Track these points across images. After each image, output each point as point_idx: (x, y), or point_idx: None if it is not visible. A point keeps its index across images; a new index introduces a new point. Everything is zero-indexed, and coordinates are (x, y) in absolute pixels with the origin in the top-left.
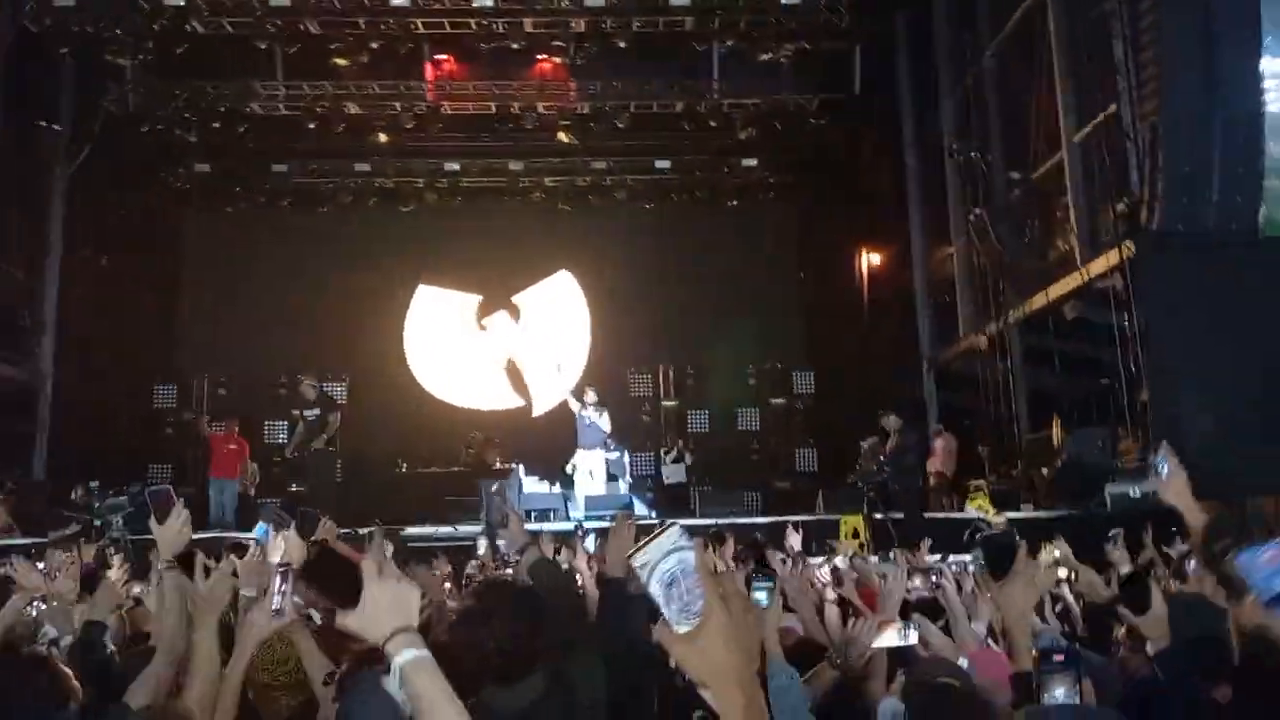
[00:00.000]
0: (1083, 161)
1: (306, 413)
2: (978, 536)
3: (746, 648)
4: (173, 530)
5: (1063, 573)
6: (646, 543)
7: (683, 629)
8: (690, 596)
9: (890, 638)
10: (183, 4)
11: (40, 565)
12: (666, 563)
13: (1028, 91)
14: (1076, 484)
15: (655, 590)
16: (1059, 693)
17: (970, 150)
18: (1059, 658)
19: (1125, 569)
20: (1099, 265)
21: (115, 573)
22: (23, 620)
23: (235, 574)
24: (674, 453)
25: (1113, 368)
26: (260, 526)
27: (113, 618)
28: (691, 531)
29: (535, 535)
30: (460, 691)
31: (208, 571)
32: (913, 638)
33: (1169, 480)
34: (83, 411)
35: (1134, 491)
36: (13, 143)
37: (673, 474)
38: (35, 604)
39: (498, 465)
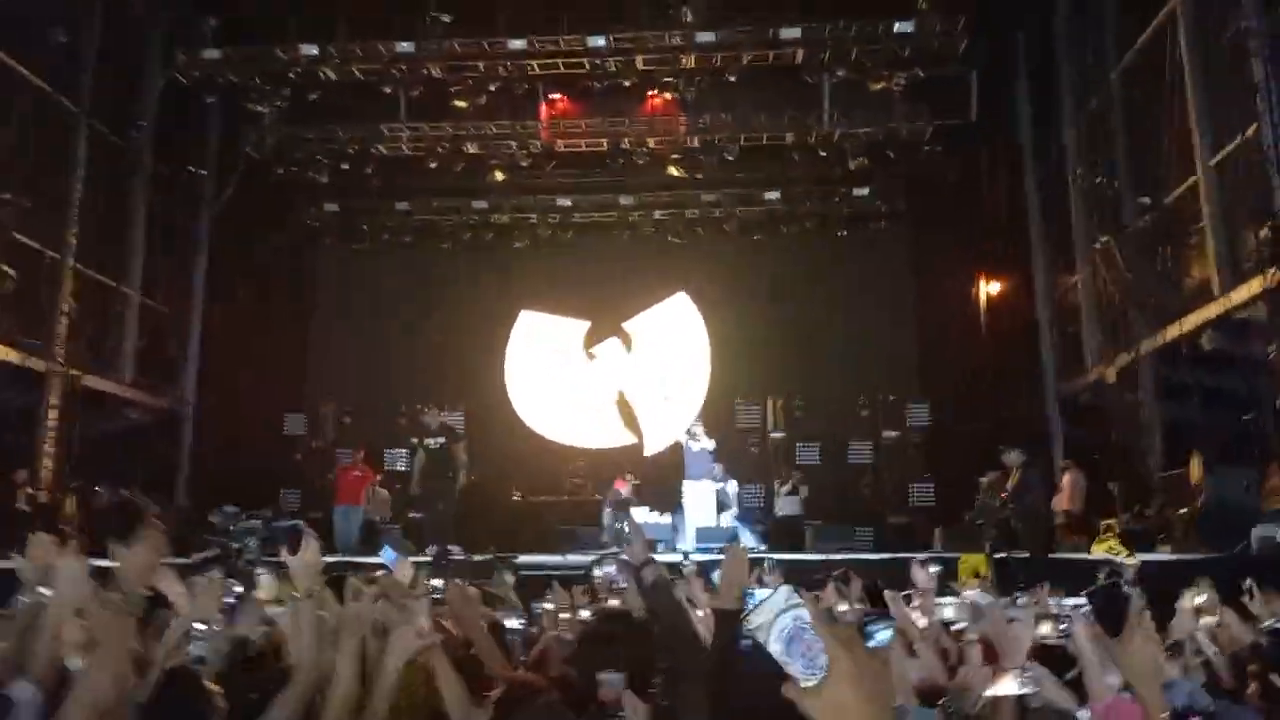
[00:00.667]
0: (1220, 185)
1: (429, 440)
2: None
3: (877, 693)
4: (304, 562)
5: (1207, 620)
6: (759, 606)
7: (810, 683)
8: (813, 651)
9: (1008, 685)
10: (316, 53)
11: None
12: (782, 621)
13: (1157, 113)
14: (1219, 525)
15: (776, 649)
16: None
17: (1097, 175)
18: None
19: (1267, 621)
20: (1240, 294)
21: (262, 593)
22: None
23: (379, 598)
24: (789, 485)
25: (1256, 402)
26: (387, 551)
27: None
28: (804, 568)
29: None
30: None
31: (356, 595)
32: (1031, 687)
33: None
34: (220, 439)
35: None
36: (162, 187)
37: (786, 506)
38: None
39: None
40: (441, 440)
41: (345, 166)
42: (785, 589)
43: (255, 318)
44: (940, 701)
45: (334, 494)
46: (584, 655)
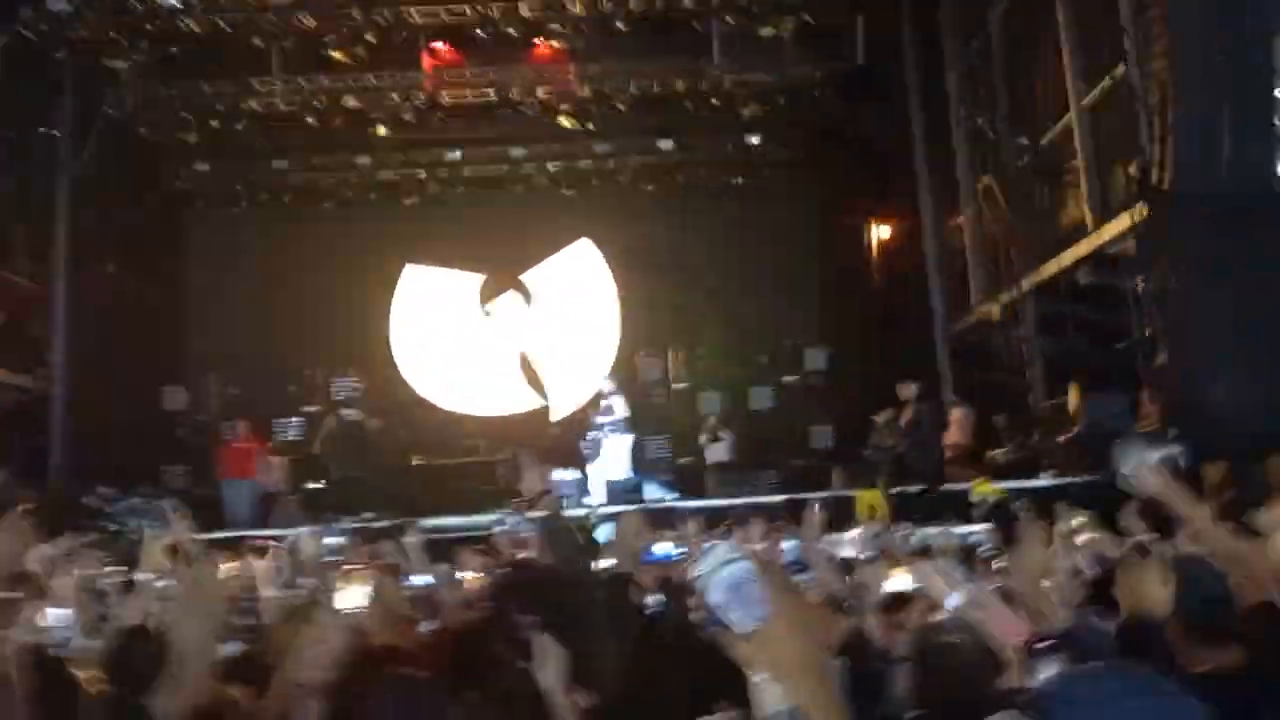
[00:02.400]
0: (1092, 125)
1: (344, 411)
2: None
3: (815, 640)
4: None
5: (1083, 538)
6: (699, 560)
7: (748, 629)
8: (754, 599)
9: (900, 581)
10: (178, 4)
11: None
12: (725, 571)
13: (1035, 57)
14: (1097, 450)
15: (716, 598)
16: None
17: (978, 116)
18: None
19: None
20: (1111, 229)
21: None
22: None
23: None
24: (708, 433)
25: (1129, 332)
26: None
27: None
28: (712, 513)
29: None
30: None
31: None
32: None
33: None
34: (96, 418)
35: (1154, 456)
36: (13, 151)
37: (716, 453)
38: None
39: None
40: (355, 412)
41: (215, 124)
42: (724, 545)
43: (126, 288)
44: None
45: (220, 468)
46: (497, 606)
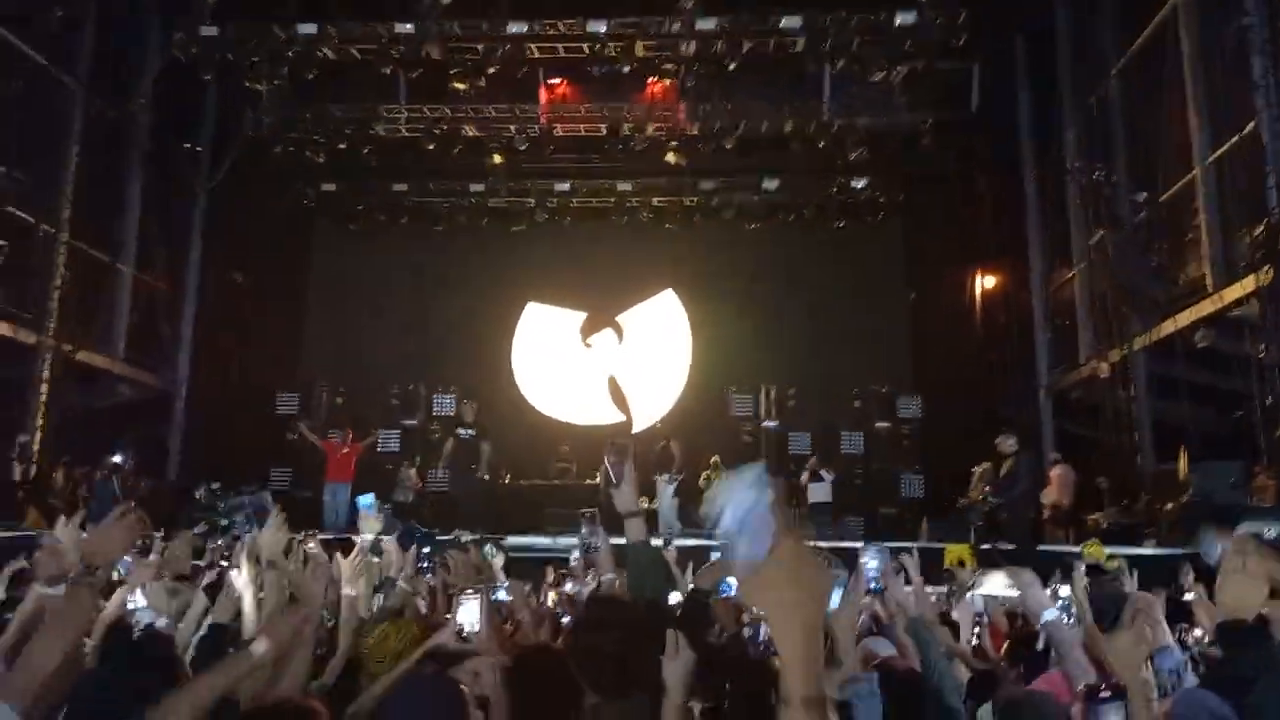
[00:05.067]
0: (1216, 183)
1: (461, 431)
2: (1087, 585)
3: (812, 590)
4: (270, 534)
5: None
6: (727, 480)
7: (751, 562)
8: (762, 534)
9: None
10: (314, 32)
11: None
12: (742, 497)
13: (1156, 111)
14: (1205, 520)
15: (729, 521)
16: None
17: (1094, 171)
18: (1105, 695)
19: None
20: (1233, 291)
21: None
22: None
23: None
24: (808, 473)
25: (1247, 400)
26: (369, 497)
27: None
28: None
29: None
30: (560, 699)
31: (306, 560)
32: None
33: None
34: (213, 417)
35: (1269, 531)
36: (158, 163)
37: (816, 494)
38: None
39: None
40: (473, 432)
41: (342, 146)
42: (758, 468)
43: (250, 297)
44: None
45: (324, 471)
46: (580, 640)
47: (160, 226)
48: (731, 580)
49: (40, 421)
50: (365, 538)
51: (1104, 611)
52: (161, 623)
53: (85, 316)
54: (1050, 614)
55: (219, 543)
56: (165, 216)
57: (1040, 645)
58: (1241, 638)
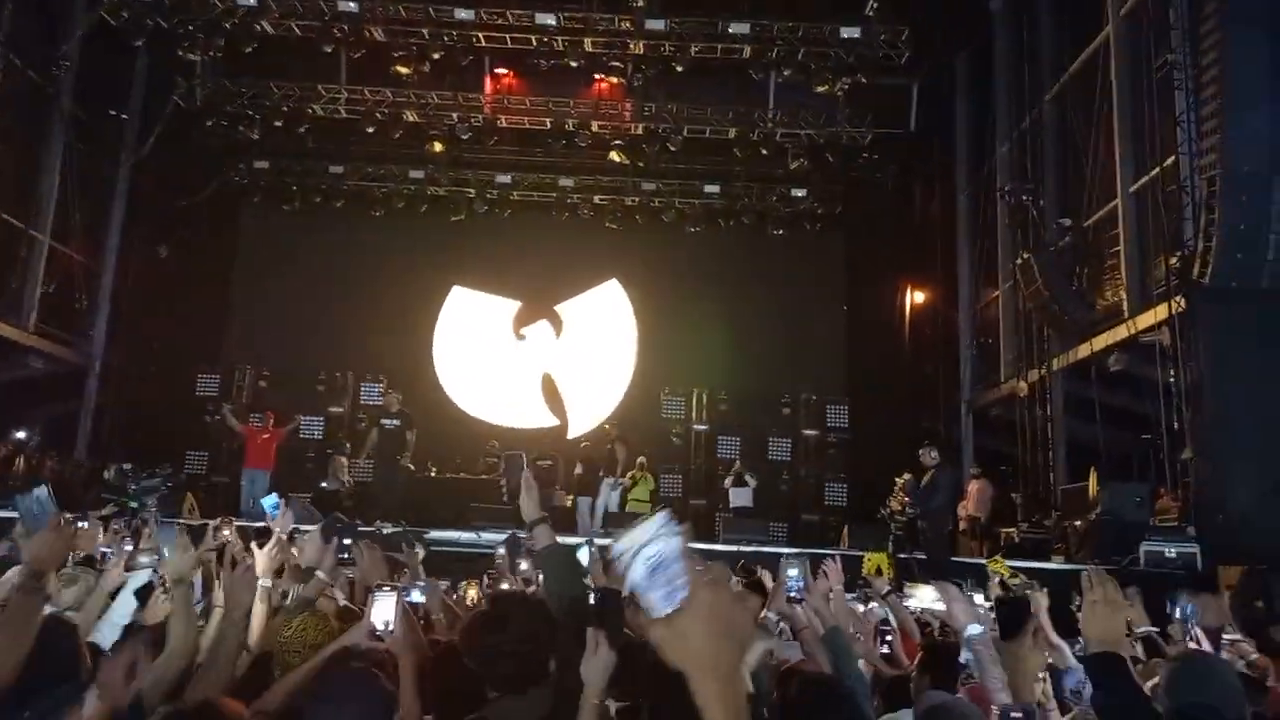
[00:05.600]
0: (1137, 212)
1: (385, 421)
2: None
3: (733, 635)
4: (181, 556)
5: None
6: (632, 528)
7: (665, 613)
8: (675, 583)
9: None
10: (255, 4)
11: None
12: (650, 549)
13: (1085, 139)
14: (1111, 539)
15: (638, 575)
16: None
17: (1023, 194)
18: (1017, 715)
19: (1141, 629)
20: (1147, 318)
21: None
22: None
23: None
24: (733, 476)
25: (1155, 423)
26: (273, 498)
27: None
28: (713, 559)
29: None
30: (466, 697)
31: (234, 564)
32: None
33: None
34: (128, 395)
35: (1169, 551)
36: (82, 129)
37: (737, 498)
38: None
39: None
40: (397, 422)
41: (278, 124)
42: (661, 515)
43: (173, 273)
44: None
45: (242, 456)
46: (475, 640)
47: (81, 195)
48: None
49: None
50: (281, 527)
51: (1008, 623)
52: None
53: None
54: (974, 629)
55: (131, 524)
56: (87, 185)
57: (961, 658)
58: (1112, 667)
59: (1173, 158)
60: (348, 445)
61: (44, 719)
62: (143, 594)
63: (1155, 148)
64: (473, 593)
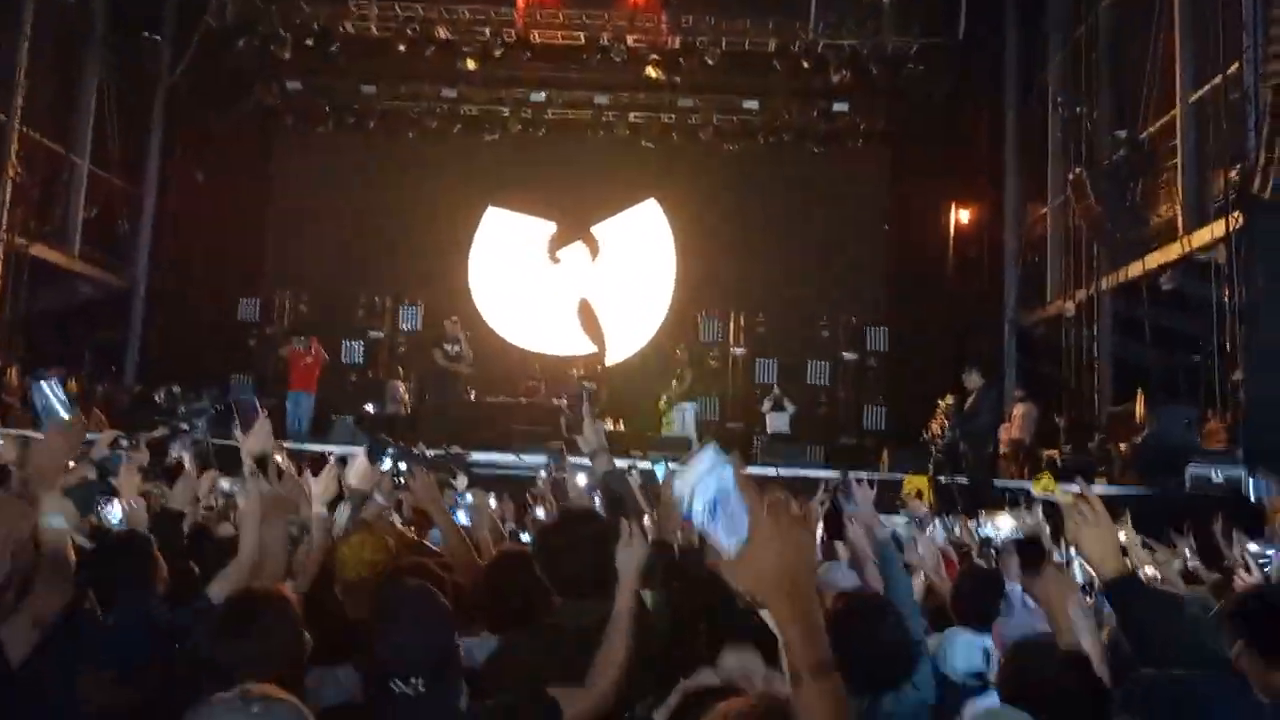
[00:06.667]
0: (1196, 123)
1: (448, 345)
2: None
3: (799, 558)
4: (257, 439)
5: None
6: (682, 467)
7: (732, 548)
8: (736, 517)
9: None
10: None
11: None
12: (706, 484)
13: (1143, 46)
14: (1157, 462)
15: (698, 513)
16: None
17: (1077, 105)
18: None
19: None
20: (1202, 235)
21: (196, 471)
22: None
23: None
24: (771, 400)
25: (1206, 345)
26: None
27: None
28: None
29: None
30: (530, 605)
31: (280, 475)
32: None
33: None
34: (171, 319)
35: (1216, 475)
36: (115, 53)
37: (775, 423)
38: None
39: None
40: (456, 348)
41: (309, 43)
42: (711, 449)
43: (211, 196)
44: None
45: (286, 379)
46: (544, 550)
47: (119, 121)
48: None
49: None
50: (336, 452)
51: (1026, 561)
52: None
53: (41, 211)
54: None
55: (184, 445)
56: (124, 110)
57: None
58: (1134, 590)
59: (1236, 64)
60: (400, 370)
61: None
62: (173, 476)
63: (1219, 56)
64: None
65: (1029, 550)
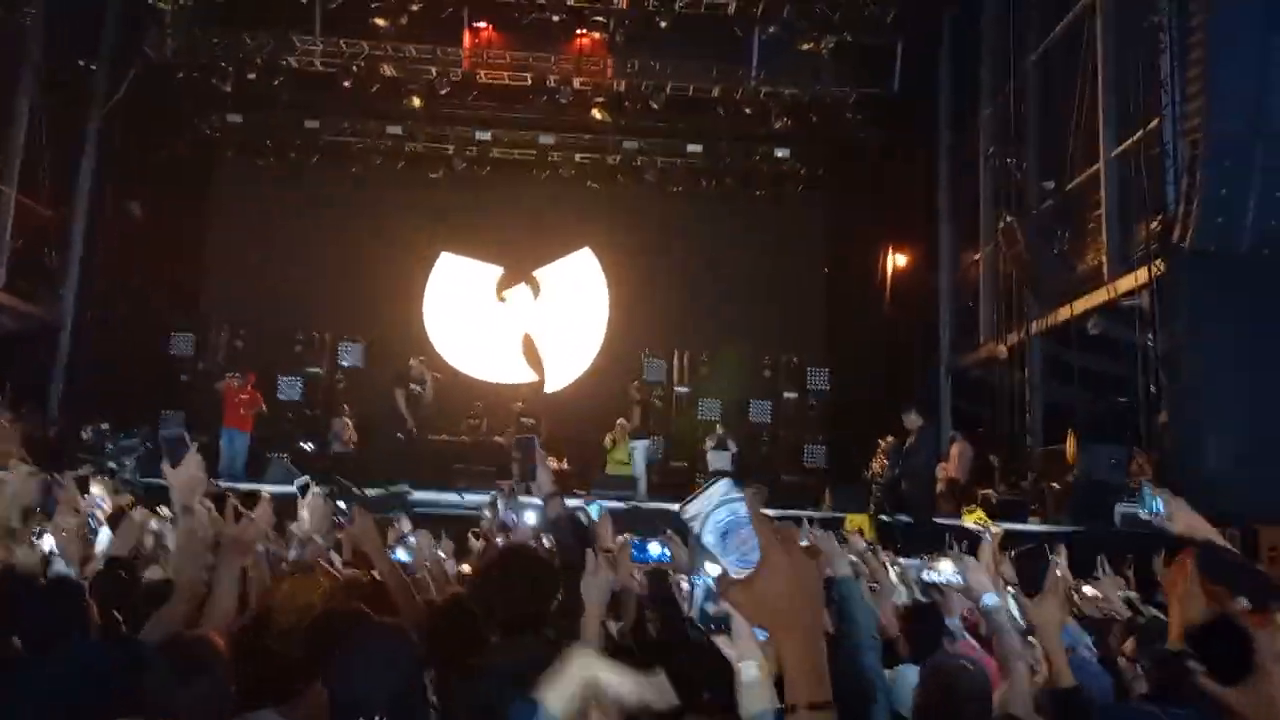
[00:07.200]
0: (1119, 175)
1: (413, 387)
2: (1011, 553)
3: (808, 591)
4: (187, 475)
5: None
6: (695, 496)
7: (739, 574)
8: (747, 546)
9: (943, 570)
10: None
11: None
12: (718, 514)
13: (1069, 101)
14: (1087, 500)
15: (710, 540)
16: None
17: (1006, 156)
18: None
19: (1120, 593)
20: (1127, 282)
21: (139, 512)
22: (31, 553)
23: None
24: (714, 439)
25: (1132, 386)
26: (304, 479)
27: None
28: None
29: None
30: (468, 644)
31: (238, 515)
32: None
33: (1174, 515)
34: (100, 354)
35: (1143, 513)
36: (49, 81)
37: (717, 461)
38: (44, 537)
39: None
40: (420, 389)
41: (252, 76)
42: (725, 481)
43: (147, 229)
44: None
45: (220, 416)
46: (484, 585)
47: (50, 149)
48: (651, 547)
49: None
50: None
51: (1028, 576)
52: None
53: None
54: (991, 599)
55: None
56: (55, 139)
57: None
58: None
59: (1156, 120)
60: (344, 406)
61: None
62: (114, 520)
63: (1139, 111)
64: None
65: (1030, 565)
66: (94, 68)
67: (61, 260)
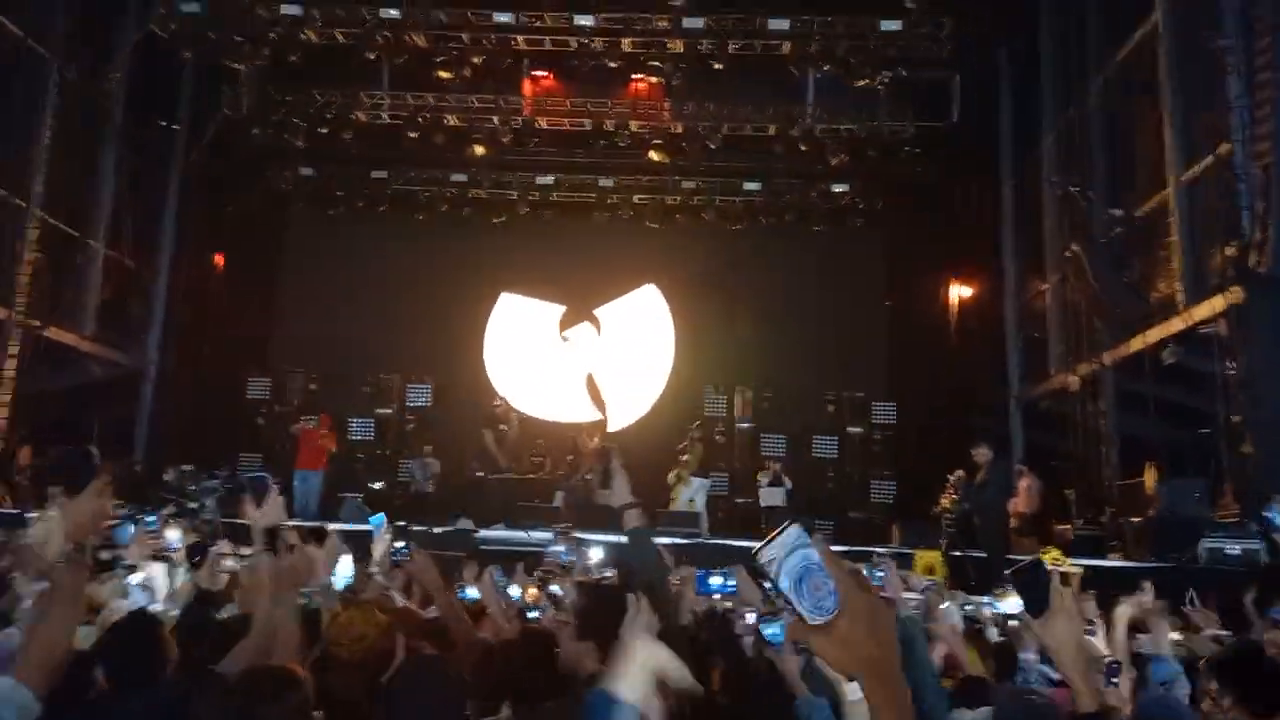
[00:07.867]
0: (1190, 201)
1: (501, 427)
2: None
3: (884, 632)
4: (269, 517)
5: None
6: (768, 542)
7: (818, 622)
8: (822, 590)
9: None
10: (298, 13)
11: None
12: (792, 560)
13: (1134, 127)
14: (1170, 535)
15: (785, 586)
16: None
17: (1071, 185)
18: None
19: (1211, 630)
20: (1203, 310)
21: (217, 550)
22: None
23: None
24: (769, 475)
25: (1212, 417)
26: (380, 516)
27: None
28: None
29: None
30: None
31: (290, 547)
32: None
33: None
34: (181, 400)
35: (1231, 548)
36: (132, 139)
37: (769, 498)
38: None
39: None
40: (506, 428)
41: (323, 131)
42: (796, 527)
43: (223, 278)
44: None
45: (294, 457)
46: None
47: (133, 203)
48: (713, 579)
49: (6, 398)
50: (338, 528)
51: (1031, 595)
52: (155, 605)
53: (55, 293)
54: None
55: (192, 524)
56: (138, 194)
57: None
58: None
59: (1226, 145)
60: (427, 447)
61: None
62: (194, 556)
63: (1206, 134)
64: (531, 591)
65: (1030, 583)
66: (174, 126)
67: (145, 310)
